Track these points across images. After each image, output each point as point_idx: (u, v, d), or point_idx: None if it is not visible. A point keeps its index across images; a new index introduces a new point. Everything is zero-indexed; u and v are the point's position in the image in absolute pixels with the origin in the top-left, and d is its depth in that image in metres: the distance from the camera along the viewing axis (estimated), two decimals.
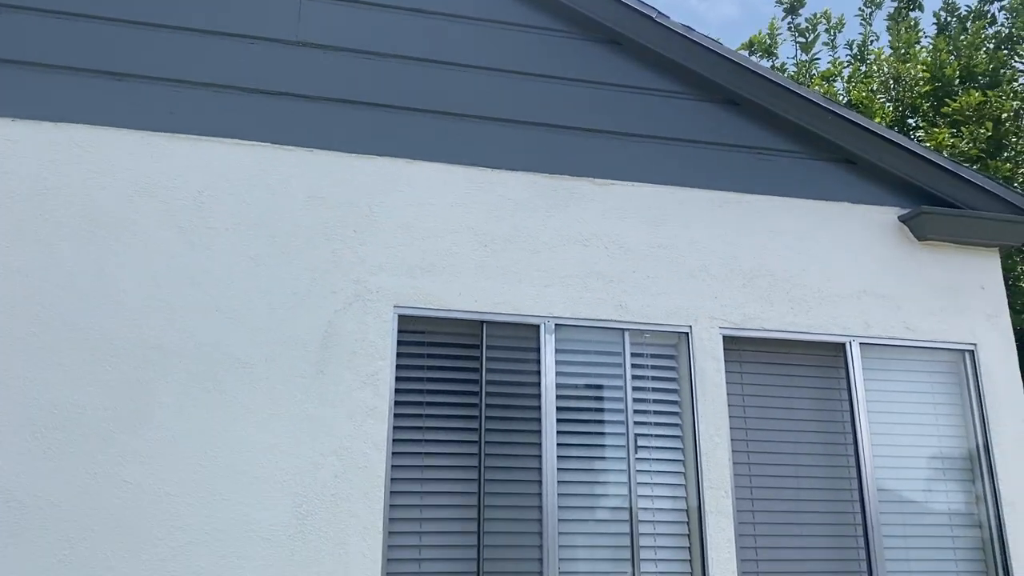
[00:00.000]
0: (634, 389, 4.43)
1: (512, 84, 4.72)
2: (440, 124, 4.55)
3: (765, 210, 4.90)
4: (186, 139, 4.19)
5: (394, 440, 4.07)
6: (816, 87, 12.47)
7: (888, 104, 11.34)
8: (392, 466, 4.03)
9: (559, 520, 4.13)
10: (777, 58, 14.03)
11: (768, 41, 13.72)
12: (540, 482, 4.16)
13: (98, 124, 4.12)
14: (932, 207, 5.06)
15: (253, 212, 4.16)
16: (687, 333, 4.53)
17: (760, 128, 5.07)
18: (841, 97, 12.28)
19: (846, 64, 13.16)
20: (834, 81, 12.80)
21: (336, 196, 4.30)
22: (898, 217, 5.09)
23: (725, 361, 4.53)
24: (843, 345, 4.78)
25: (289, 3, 4.51)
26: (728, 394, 4.50)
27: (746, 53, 13.65)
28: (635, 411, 4.40)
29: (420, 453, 4.14)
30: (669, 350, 4.58)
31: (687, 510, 4.36)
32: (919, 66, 11.02)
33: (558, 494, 4.16)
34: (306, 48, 4.47)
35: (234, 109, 4.29)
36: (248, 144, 4.25)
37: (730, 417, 4.48)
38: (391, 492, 4.00)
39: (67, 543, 3.60)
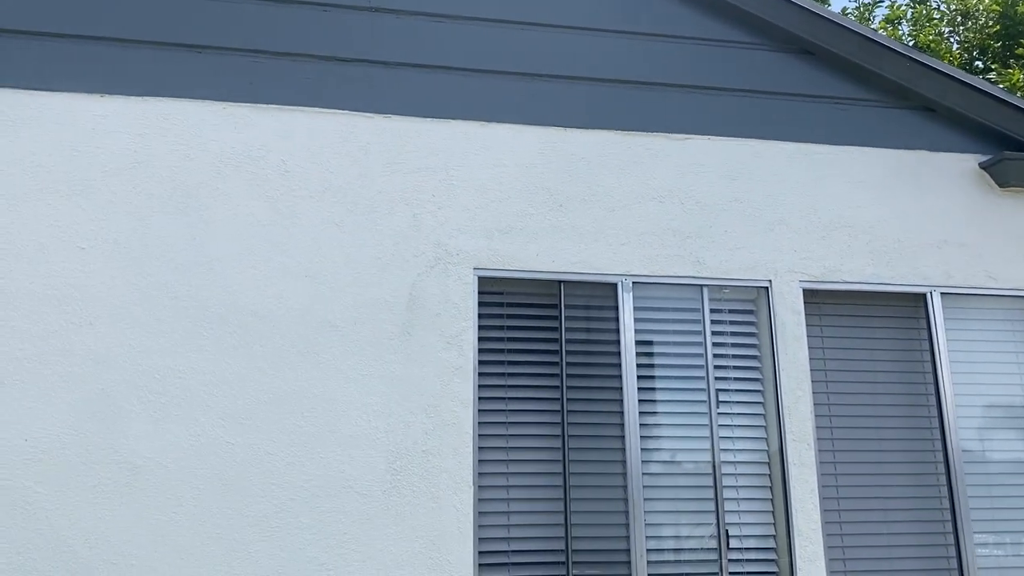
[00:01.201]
0: (714, 345, 4.46)
1: (583, 41, 4.70)
2: (513, 85, 4.57)
3: (842, 161, 4.84)
4: (267, 109, 4.28)
5: (479, 398, 4.16)
6: (880, 32, 12.13)
7: (955, 45, 11.00)
8: (479, 423, 4.13)
9: (643, 474, 4.21)
10: (829, 5, 13.67)
11: None
12: (623, 437, 4.23)
13: (182, 97, 4.22)
14: (1014, 153, 4.93)
15: (336, 179, 4.25)
16: (767, 287, 4.53)
17: (836, 77, 4.98)
18: (906, 41, 11.93)
19: (908, 6, 12.76)
20: (898, 24, 12.44)
21: (414, 161, 4.36)
22: (979, 164, 4.98)
23: (805, 315, 4.53)
24: (924, 295, 4.73)
25: None
26: (809, 347, 4.50)
27: None
28: (715, 366, 4.43)
29: (504, 411, 4.23)
30: (748, 305, 4.59)
31: (769, 463, 4.40)
32: (987, 1, 10.64)
33: (641, 449, 4.23)
34: (379, 14, 4.51)
35: (312, 78, 4.36)
36: (328, 112, 4.32)
37: (811, 370, 4.48)
38: (479, 448, 4.10)
39: (176, 502, 3.78)
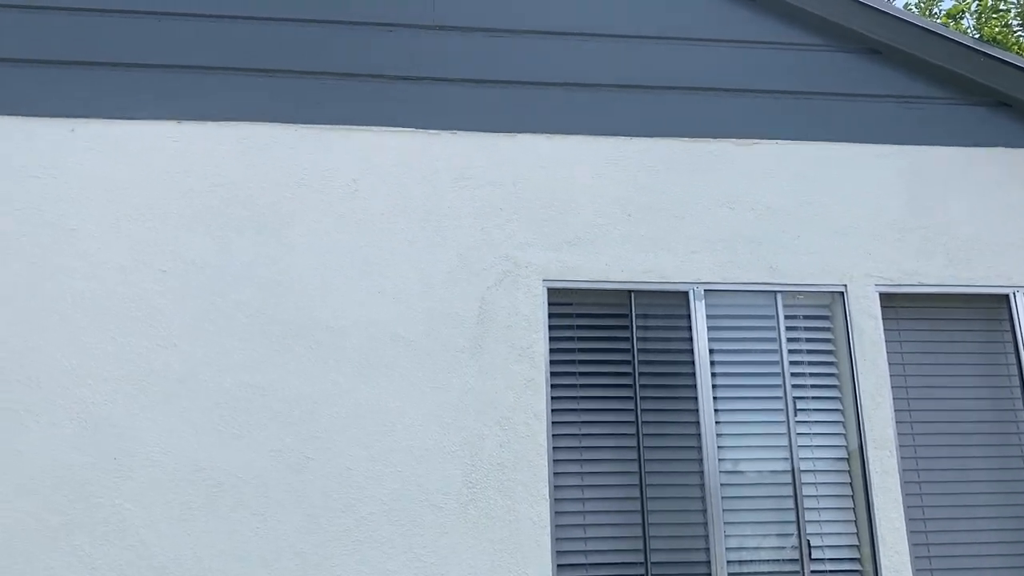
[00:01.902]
0: (790, 352, 4.38)
1: (647, 50, 4.69)
2: (578, 96, 4.58)
3: (914, 160, 4.73)
4: (337, 129, 4.36)
5: (552, 410, 4.16)
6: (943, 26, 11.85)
7: (1023, 36, 10.69)
8: (552, 435, 4.12)
9: (721, 484, 4.16)
10: (893, 0, 13.40)
11: None
12: (699, 448, 4.19)
13: (255, 120, 4.32)
14: None
15: (405, 197, 4.30)
16: (842, 292, 4.44)
17: (904, 76, 4.88)
18: (971, 35, 11.64)
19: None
20: (961, 19, 12.15)
21: (482, 175, 4.39)
22: None
23: (883, 319, 4.43)
24: (1006, 296, 4.59)
25: None
26: (887, 352, 4.40)
27: None
28: (792, 374, 4.36)
29: (578, 422, 4.22)
30: (823, 311, 4.51)
31: (850, 470, 4.31)
32: None
33: (719, 459, 4.18)
34: (443, 31, 4.56)
35: (379, 97, 4.43)
36: (395, 131, 4.38)
37: (890, 376, 4.38)
38: (554, 460, 4.10)
39: (258, 517, 3.85)
